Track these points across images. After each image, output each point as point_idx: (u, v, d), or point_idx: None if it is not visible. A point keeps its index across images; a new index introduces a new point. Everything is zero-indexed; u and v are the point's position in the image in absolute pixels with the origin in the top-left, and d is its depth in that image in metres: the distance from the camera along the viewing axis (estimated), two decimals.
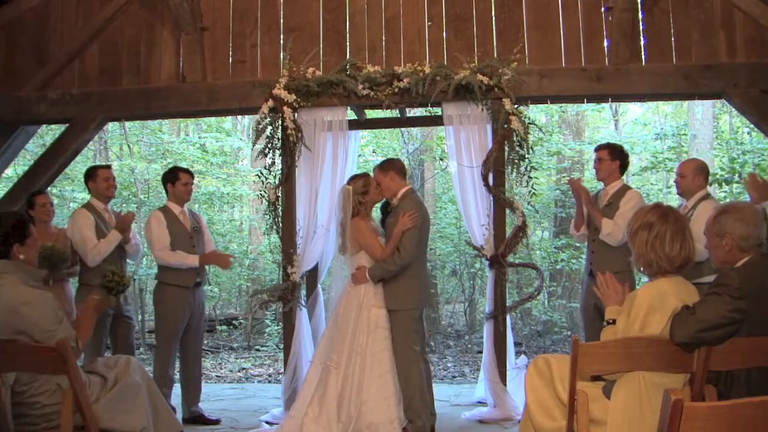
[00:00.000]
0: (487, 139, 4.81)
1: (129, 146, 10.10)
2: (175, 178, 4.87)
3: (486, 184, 4.73)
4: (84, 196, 8.63)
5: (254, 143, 5.08)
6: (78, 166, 8.82)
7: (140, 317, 8.94)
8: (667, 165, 9.67)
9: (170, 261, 4.69)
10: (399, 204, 4.36)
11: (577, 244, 8.25)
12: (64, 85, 5.33)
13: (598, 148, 4.69)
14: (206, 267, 5.04)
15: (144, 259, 8.94)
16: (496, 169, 4.73)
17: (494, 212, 4.76)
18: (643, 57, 4.87)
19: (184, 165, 8.36)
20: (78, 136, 5.29)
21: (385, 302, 4.33)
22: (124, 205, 9.32)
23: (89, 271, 4.60)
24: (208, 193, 10.67)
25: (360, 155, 9.68)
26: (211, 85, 5.16)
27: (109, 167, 5.00)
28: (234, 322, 10.01)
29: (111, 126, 9.60)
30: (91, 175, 4.85)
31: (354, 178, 4.55)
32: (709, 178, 4.63)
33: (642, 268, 2.76)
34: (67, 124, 5.35)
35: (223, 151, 11.81)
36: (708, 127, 9.98)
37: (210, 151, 10.91)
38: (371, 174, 4.61)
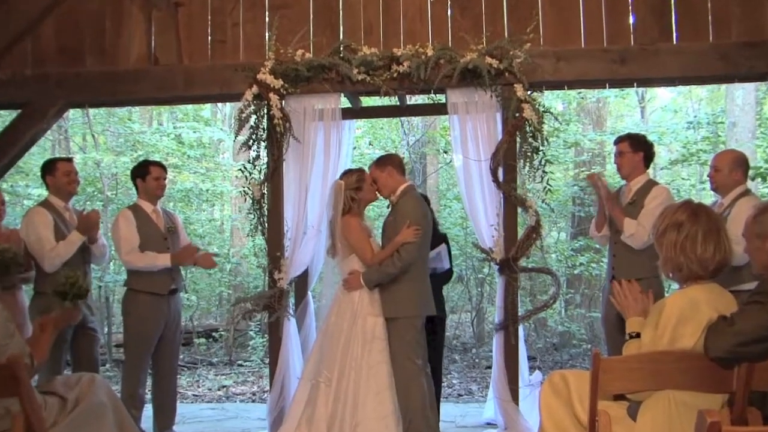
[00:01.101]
0: (497, 130, 4.80)
1: (93, 136, 10.06)
2: (146, 173, 4.85)
3: (495, 179, 4.72)
4: (41, 192, 8.62)
5: (236, 134, 5.07)
6: (34, 159, 8.79)
7: (106, 329, 8.89)
8: (700, 157, 9.60)
9: (138, 264, 4.67)
10: (398, 202, 4.40)
11: (598, 247, 8.24)
12: (15, 64, 5.24)
13: (618, 141, 4.70)
14: (182, 272, 5.02)
15: (111, 263, 8.92)
16: (506, 163, 4.72)
17: (504, 211, 4.76)
18: (674, 35, 4.83)
19: (156, 158, 8.32)
20: (33, 124, 5.23)
21: (383, 310, 4.33)
22: (87, 203, 9.28)
23: (46, 277, 4.54)
24: (184, 190, 10.65)
25: (355, 147, 9.65)
26: (187, 68, 5.13)
27: (70, 160, 4.96)
28: (214, 334, 9.99)
29: (72, 113, 9.57)
30: (49, 168, 4.81)
31: (347, 173, 4.60)
32: (750, 171, 4.58)
33: (671, 274, 2.75)
34: (19, 110, 5.29)
35: (202, 143, 11.79)
36: (749, 113, 9.89)
37: (186, 143, 10.89)
38: (366, 169, 4.62)
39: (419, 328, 4.35)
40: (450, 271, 5.15)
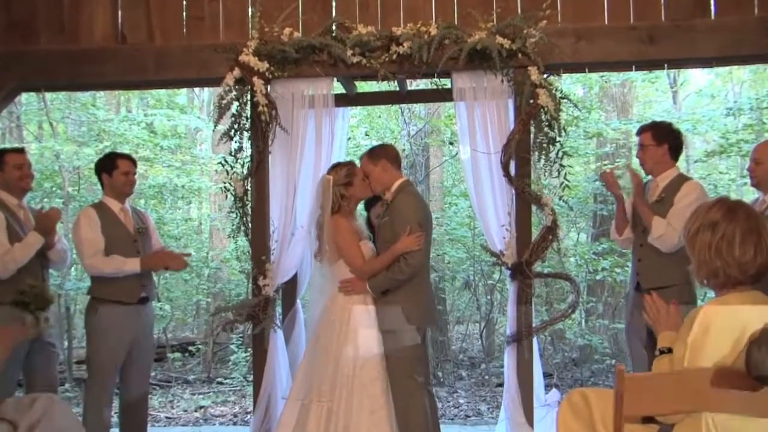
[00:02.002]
0: (508, 118, 4.82)
1: (51, 124, 10.01)
2: (113, 167, 4.84)
3: (507, 174, 4.73)
4: None
5: (216, 123, 5.09)
6: None
7: (66, 343, 8.86)
8: (741, 148, 9.52)
9: (104, 269, 4.67)
10: (394, 199, 4.41)
11: (623, 250, 8.24)
12: None
13: (640, 131, 4.72)
14: (154, 277, 5.02)
15: (72, 269, 8.89)
16: (519, 156, 4.73)
17: (517, 209, 4.77)
18: (711, 8, 4.82)
19: (125, 149, 8.30)
20: None
21: (379, 320, 4.34)
22: (45, 200, 9.27)
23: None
24: (156, 186, 10.65)
25: (349, 138, 9.63)
26: (159, 48, 5.14)
27: (21, 151, 4.94)
28: (190, 348, 9.99)
29: (26, 98, 9.54)
30: None
31: (336, 167, 4.65)
32: None
33: (705, 280, 2.74)
34: None
35: (177, 133, 11.79)
36: None
37: (159, 133, 10.89)
38: (358, 163, 4.64)
39: (421, 341, 4.35)
40: None
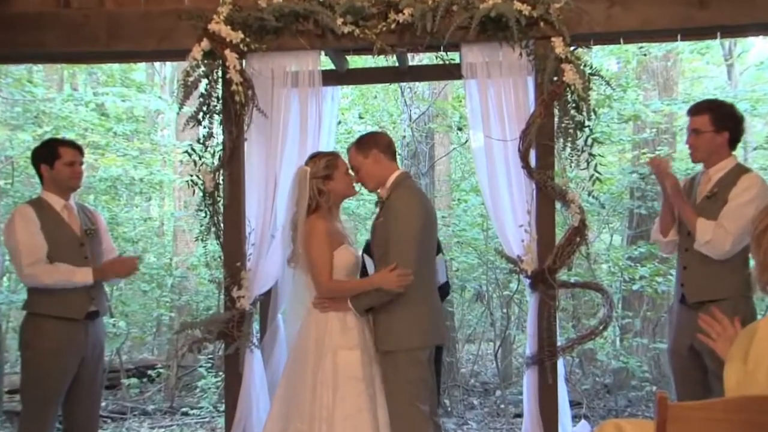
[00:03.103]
0: (528, 99, 4.85)
1: None
2: (56, 156, 4.85)
3: (526, 165, 4.76)
4: None
5: (181, 105, 5.06)
6: None
7: None
8: None
9: (47, 280, 4.66)
10: (390, 196, 4.40)
11: (665, 255, 8.25)
12: None
13: (694, 111, 4.60)
14: (106, 288, 5.02)
15: (5, 278, 8.88)
16: (540, 144, 4.75)
17: (538, 207, 4.80)
18: None
19: (70, 136, 8.27)
20: None
21: (376, 339, 4.35)
22: None
23: None
24: (109, 179, 10.62)
25: (340, 123, 9.66)
26: (111, 13, 5.14)
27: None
28: (149, 372, 9.98)
29: None
30: None
31: (315, 157, 4.65)
32: None
33: None
34: None
35: (133, 116, 11.79)
36: None
37: (112, 116, 10.87)
38: (345, 155, 4.65)
39: (425, 364, 4.37)
40: (446, 286, 5.19)
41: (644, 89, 10.47)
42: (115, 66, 11.26)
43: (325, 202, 4.54)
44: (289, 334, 5.07)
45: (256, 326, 5.07)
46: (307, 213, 4.52)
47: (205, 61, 4.87)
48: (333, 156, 4.67)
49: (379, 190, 4.57)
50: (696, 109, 4.61)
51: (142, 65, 12.78)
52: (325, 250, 4.45)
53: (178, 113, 5.49)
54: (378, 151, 4.50)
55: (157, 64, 12.97)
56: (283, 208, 4.93)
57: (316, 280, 4.45)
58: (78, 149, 4.95)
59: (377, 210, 4.64)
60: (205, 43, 4.82)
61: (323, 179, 4.53)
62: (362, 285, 4.42)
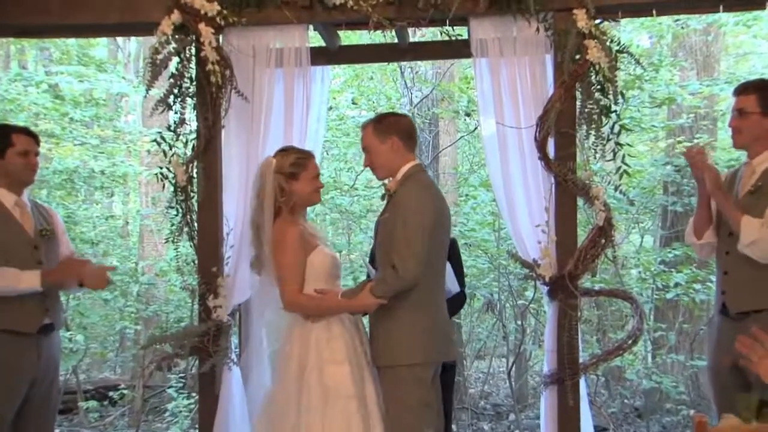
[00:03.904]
0: (546, 81, 4.87)
1: None
2: (6, 144, 4.78)
3: (543, 156, 4.77)
4: None
5: (148, 87, 5.06)
6: None
7: None
8: None
9: None
10: (399, 190, 4.38)
11: (702, 259, 8.25)
12: None
13: (740, 90, 4.58)
14: (62, 299, 5.01)
15: None
16: (560, 132, 4.77)
17: (557, 204, 4.81)
18: None
19: (18, 121, 8.27)
20: None
21: (373, 352, 4.36)
22: None
23: None
24: (65, 171, 10.59)
25: (331, 108, 9.68)
26: None
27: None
28: (111, 394, 9.99)
29: None
30: None
31: (285, 151, 4.64)
32: None
33: None
34: None
35: (93, 99, 11.75)
36: None
37: (69, 99, 10.84)
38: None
39: (428, 383, 4.39)
40: (461, 295, 5.21)
41: (681, 68, 10.44)
42: (71, 41, 11.25)
43: (284, 204, 4.51)
44: (274, 351, 5.07)
45: (234, 340, 5.08)
46: (272, 215, 4.51)
47: (176, 37, 4.86)
48: (305, 155, 4.64)
49: (387, 181, 4.58)
50: (743, 88, 4.59)
51: (102, 40, 12.77)
52: (297, 259, 4.45)
53: (145, 96, 5.46)
54: (398, 139, 4.48)
55: (120, 39, 12.96)
56: None
57: (282, 293, 4.45)
58: (33, 137, 4.88)
59: (384, 205, 4.62)
60: (176, 16, 4.81)
61: (287, 177, 4.50)
62: (339, 305, 4.41)
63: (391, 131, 4.49)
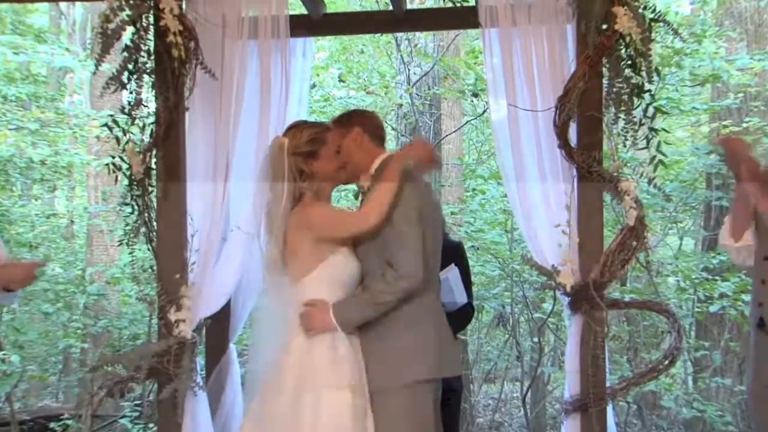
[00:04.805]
0: (567, 55, 4.89)
1: None
2: None
3: (564, 144, 4.78)
4: None
5: (98, 62, 5.07)
6: None
7: None
8: None
9: None
10: (373, 185, 4.45)
11: (739, 266, 8.25)
12: None
13: None
14: None
15: None
16: (584, 115, 4.79)
17: (579, 201, 4.83)
18: None
19: None
20: None
21: (368, 374, 4.39)
22: None
23: None
24: None
25: (314, 86, 9.71)
26: None
27: None
28: (54, 425, 10.00)
29: None
30: None
31: (295, 128, 4.63)
32: None
33: None
34: None
35: (31, 75, 11.77)
36: None
37: (2, 74, 10.84)
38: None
39: (429, 403, 4.43)
40: (468, 308, 5.24)
41: (727, 40, 10.46)
42: (4, 6, 11.25)
43: (308, 188, 4.51)
44: (247, 373, 5.08)
45: (200, 361, 5.10)
46: (290, 203, 4.49)
47: (131, 2, 4.83)
48: (321, 128, 4.64)
49: (359, 180, 4.63)
50: None
51: (42, 6, 12.77)
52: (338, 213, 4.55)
53: (93, 73, 5.43)
54: (362, 130, 4.55)
55: (63, 4, 12.95)
56: (239, 201, 4.98)
57: (358, 226, 4.44)
58: None
59: (358, 204, 4.67)
60: None
61: (305, 157, 4.50)
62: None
63: (352, 123, 4.61)
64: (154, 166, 4.96)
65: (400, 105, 9.41)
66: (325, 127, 4.67)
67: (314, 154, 4.52)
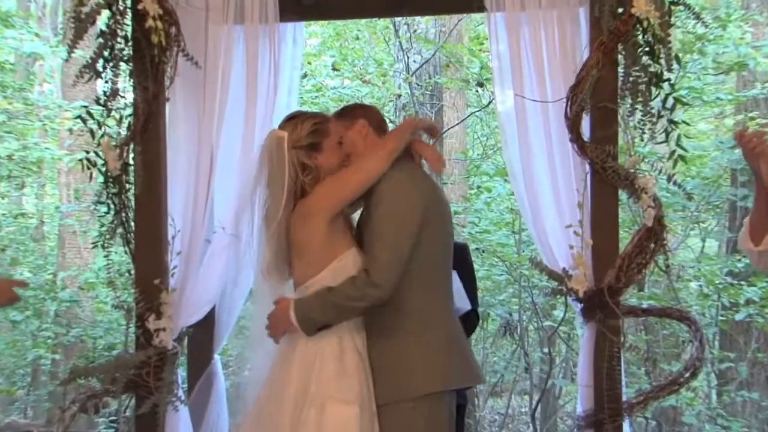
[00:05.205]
0: (579, 41, 4.90)
1: None
2: None
3: (576, 137, 4.79)
4: None
5: (71, 48, 5.07)
6: None
7: None
8: None
9: None
10: (378, 185, 4.43)
11: (761, 270, 8.26)
12: None
13: None
14: None
15: None
16: (598, 107, 4.79)
17: (593, 199, 4.83)
18: None
19: None
20: None
21: (375, 387, 4.40)
22: None
23: None
24: None
25: (305, 75, 9.72)
26: None
27: None
28: None
29: None
30: None
31: (294, 119, 4.60)
32: None
33: None
34: None
35: None
36: None
37: None
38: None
39: (443, 419, 4.42)
40: (473, 315, 5.25)
41: (754, 24, 10.46)
42: None
43: (311, 183, 4.47)
44: (235, 386, 5.10)
45: (182, 373, 5.11)
46: (293, 197, 4.45)
47: None
48: (321, 118, 4.63)
49: None
50: None
51: None
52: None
53: (66, 60, 5.48)
54: (366, 122, 4.56)
55: None
56: (224, 199, 5.00)
57: (349, 181, 4.42)
58: None
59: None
60: None
61: (307, 150, 4.48)
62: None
63: (356, 115, 4.61)
64: (131, 161, 4.96)
65: (399, 95, 9.42)
66: (325, 117, 4.67)
67: (317, 146, 4.50)
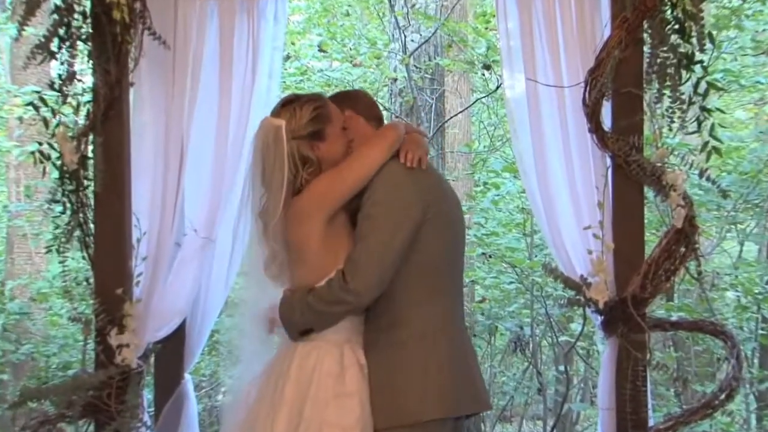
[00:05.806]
0: (599, 18, 4.91)
1: None
2: None
3: (595, 127, 4.80)
4: None
5: (21, 26, 5.09)
6: None
7: None
8: None
9: None
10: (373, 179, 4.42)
11: None
12: None
13: None
14: None
15: None
16: (619, 93, 4.81)
17: (615, 197, 4.85)
18: None
19: None
20: None
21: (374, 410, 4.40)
22: None
23: None
24: None
25: (289, 57, 9.74)
26: None
27: None
28: None
29: None
30: None
31: (289, 104, 4.54)
32: None
33: None
34: None
35: None
36: None
37: None
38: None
39: None
40: None
41: None
42: None
43: (312, 177, 4.43)
44: (207, 409, 5.11)
45: (148, 395, 5.12)
46: (294, 189, 4.43)
47: None
48: (320, 102, 4.55)
49: None
50: None
51: None
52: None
53: (15, 39, 5.48)
54: (354, 113, 4.57)
55: None
56: (195, 198, 5.02)
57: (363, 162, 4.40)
58: None
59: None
60: None
61: (310, 140, 4.44)
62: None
63: (345, 104, 4.61)
64: (90, 154, 4.96)
65: (395, 79, 9.42)
66: (324, 100, 4.59)
67: (320, 134, 4.46)
